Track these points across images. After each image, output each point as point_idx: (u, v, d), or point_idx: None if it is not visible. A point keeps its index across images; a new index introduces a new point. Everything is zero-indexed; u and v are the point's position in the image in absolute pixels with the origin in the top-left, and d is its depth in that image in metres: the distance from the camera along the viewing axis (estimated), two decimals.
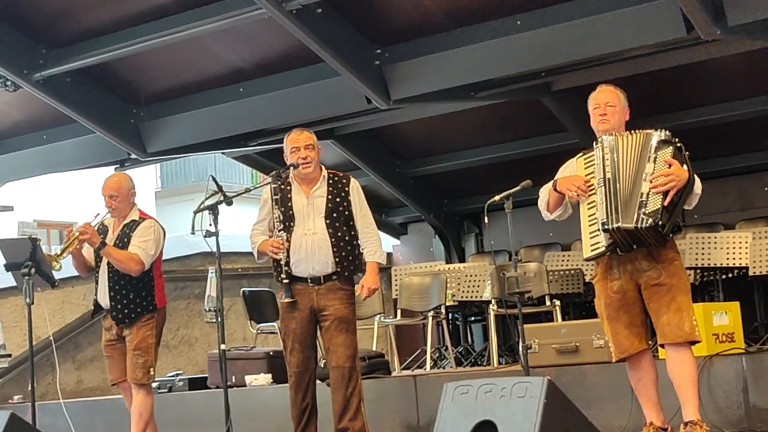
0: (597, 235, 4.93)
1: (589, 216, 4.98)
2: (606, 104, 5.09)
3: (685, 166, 4.85)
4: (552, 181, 5.14)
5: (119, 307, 6.08)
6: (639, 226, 4.79)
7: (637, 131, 4.99)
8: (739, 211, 9.59)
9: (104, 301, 6.15)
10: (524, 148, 9.87)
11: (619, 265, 4.98)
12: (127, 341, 6.12)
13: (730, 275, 8.23)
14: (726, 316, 6.34)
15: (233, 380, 7.79)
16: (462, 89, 8.23)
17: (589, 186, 4.99)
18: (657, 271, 4.91)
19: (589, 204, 4.99)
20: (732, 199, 9.75)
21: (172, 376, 8.55)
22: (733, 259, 8.06)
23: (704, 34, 6.78)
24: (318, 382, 5.93)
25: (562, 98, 8.82)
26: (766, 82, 8.50)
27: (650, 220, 4.77)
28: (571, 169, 5.17)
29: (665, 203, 4.79)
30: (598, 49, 7.45)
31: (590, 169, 5.02)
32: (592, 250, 4.97)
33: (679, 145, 4.89)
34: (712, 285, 8.26)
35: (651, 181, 4.81)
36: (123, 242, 6.12)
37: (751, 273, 7.88)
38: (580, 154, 5.15)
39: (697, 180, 4.95)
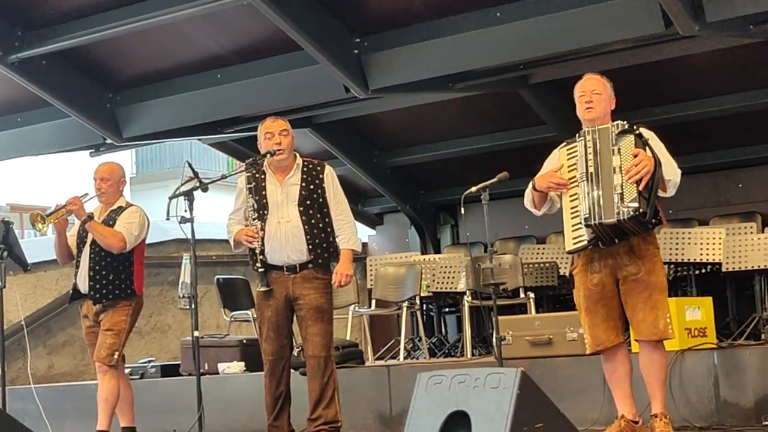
0: (579, 229, 4.93)
1: (571, 209, 4.96)
2: (592, 92, 5.05)
3: (648, 152, 4.84)
4: (531, 182, 5.13)
5: (97, 287, 6.13)
6: (622, 218, 4.79)
7: (602, 126, 4.97)
8: (713, 207, 9.64)
9: (83, 284, 6.18)
10: (501, 140, 9.88)
11: (601, 258, 4.98)
12: (101, 323, 6.15)
13: (703, 271, 8.28)
14: (699, 311, 6.37)
15: (206, 368, 7.76)
16: (441, 80, 8.23)
17: (571, 178, 4.98)
18: (636, 267, 4.92)
19: (571, 196, 4.97)
20: (706, 195, 9.80)
21: (145, 362, 8.51)
22: (707, 254, 8.11)
23: (683, 29, 6.81)
24: (293, 370, 5.92)
25: (539, 91, 8.84)
26: (742, 79, 8.55)
27: (630, 210, 4.77)
28: (555, 160, 5.14)
29: (640, 188, 4.79)
30: (576, 43, 7.47)
31: (573, 160, 5.00)
32: (574, 244, 4.97)
33: (638, 132, 4.89)
34: (685, 280, 8.30)
35: (623, 173, 4.80)
36: (108, 225, 6.18)
37: (724, 269, 7.95)
38: (563, 144, 5.13)
39: (674, 166, 4.93)
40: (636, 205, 4.77)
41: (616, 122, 4.97)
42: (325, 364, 5.71)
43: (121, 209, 6.25)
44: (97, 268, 6.14)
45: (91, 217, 6.12)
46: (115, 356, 6.11)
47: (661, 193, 4.92)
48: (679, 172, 4.97)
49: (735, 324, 8.01)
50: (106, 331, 6.11)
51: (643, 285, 4.91)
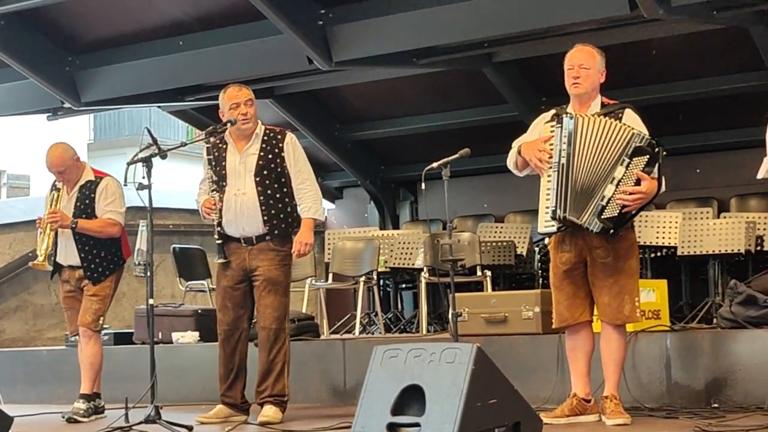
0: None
1: (547, 190, 4.91)
2: (580, 66, 4.94)
3: (656, 174, 4.80)
4: (517, 145, 5.07)
5: (92, 266, 6.11)
6: (589, 228, 4.79)
7: (614, 121, 4.84)
8: (671, 192, 9.65)
9: (70, 260, 6.14)
10: (463, 118, 9.87)
11: (572, 238, 4.97)
12: (85, 288, 6.13)
13: (659, 254, 8.35)
14: (653, 293, 6.41)
15: (160, 337, 7.70)
16: (405, 55, 8.19)
17: (551, 157, 4.88)
18: (606, 251, 4.92)
19: (548, 177, 4.91)
20: (664, 179, 9.83)
21: None
22: (663, 238, 8.18)
23: (647, 12, 6.82)
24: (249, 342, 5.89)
25: (503, 70, 8.83)
26: (705, 65, 8.59)
27: (601, 226, 4.77)
28: (539, 130, 5.07)
29: (623, 212, 4.78)
30: (541, 22, 7.47)
31: (553, 140, 4.93)
32: (546, 227, 4.96)
33: (657, 150, 4.80)
34: (640, 262, 8.34)
35: (617, 188, 4.75)
36: (85, 204, 6.12)
37: (679, 252, 8.01)
38: (551, 117, 5.00)
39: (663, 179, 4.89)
40: (609, 225, 4.77)
41: (639, 132, 4.80)
42: (275, 336, 5.67)
43: (91, 183, 6.18)
44: (87, 248, 6.11)
45: (76, 223, 6.05)
46: (100, 321, 6.13)
47: None
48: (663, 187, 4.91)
49: (688, 308, 8.08)
50: (91, 297, 6.09)
51: (610, 270, 4.92)
